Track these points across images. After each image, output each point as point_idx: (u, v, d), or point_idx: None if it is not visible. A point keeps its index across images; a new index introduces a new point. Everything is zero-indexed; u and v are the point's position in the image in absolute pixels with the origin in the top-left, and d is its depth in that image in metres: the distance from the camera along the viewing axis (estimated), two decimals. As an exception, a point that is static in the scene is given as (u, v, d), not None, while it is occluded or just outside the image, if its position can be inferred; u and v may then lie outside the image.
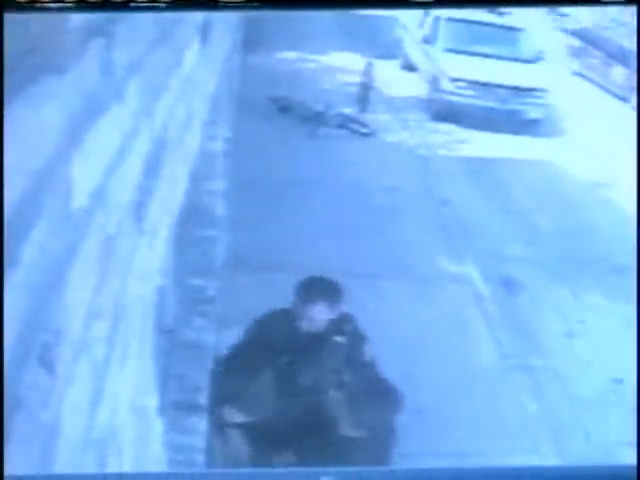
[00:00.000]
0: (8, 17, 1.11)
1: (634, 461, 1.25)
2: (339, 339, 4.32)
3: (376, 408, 4.38)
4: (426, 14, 15.52)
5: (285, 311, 4.40)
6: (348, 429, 4.21)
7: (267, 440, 4.17)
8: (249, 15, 11.08)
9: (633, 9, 1.10)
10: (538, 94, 13.96)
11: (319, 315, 4.24)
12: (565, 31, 18.34)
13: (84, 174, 1.56)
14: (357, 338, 4.45)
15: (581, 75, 16.64)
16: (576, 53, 17.30)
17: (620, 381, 6.54)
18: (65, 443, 1.51)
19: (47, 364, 1.36)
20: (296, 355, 4.25)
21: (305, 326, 4.26)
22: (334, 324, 4.30)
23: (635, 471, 1.22)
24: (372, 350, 4.51)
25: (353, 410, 4.22)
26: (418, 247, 8.77)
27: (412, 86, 15.33)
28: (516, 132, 13.56)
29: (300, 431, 4.14)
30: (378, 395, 4.39)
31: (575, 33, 17.91)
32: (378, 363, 4.54)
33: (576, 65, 17.08)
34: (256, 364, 4.23)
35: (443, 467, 2.25)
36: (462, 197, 10.44)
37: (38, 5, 1.10)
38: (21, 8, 1.11)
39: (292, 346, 4.26)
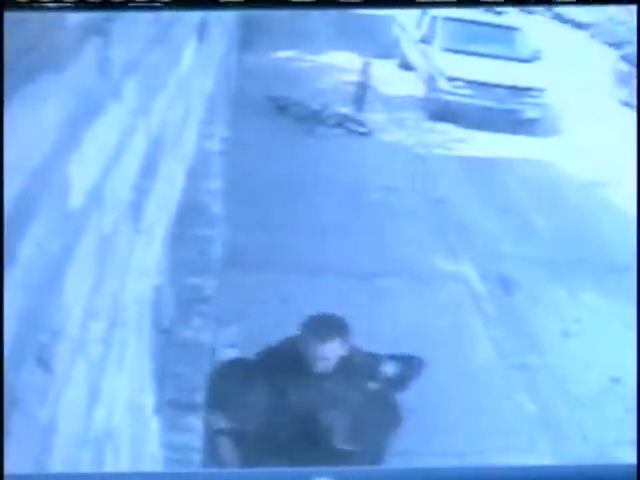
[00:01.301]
0: (7, 16, 1.11)
1: (633, 460, 1.25)
2: (348, 373, 4.39)
3: (377, 429, 4.44)
4: (423, 13, 15.52)
5: (294, 347, 4.39)
6: (345, 444, 4.25)
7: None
8: (246, 14, 11.08)
9: (633, 8, 1.10)
10: (535, 93, 13.98)
11: (332, 353, 4.28)
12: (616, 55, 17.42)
13: (81, 173, 1.56)
14: (369, 365, 4.51)
15: (628, 104, 15.23)
16: (624, 79, 15.98)
17: (617, 380, 6.55)
18: (62, 442, 1.51)
19: (44, 363, 1.36)
20: (307, 390, 4.28)
21: (320, 366, 4.28)
22: (345, 361, 4.34)
23: (635, 470, 1.22)
24: (387, 369, 4.59)
25: (353, 431, 4.27)
26: (415, 246, 8.78)
27: (409, 85, 15.34)
28: (513, 131, 13.57)
29: (298, 452, 4.16)
30: (383, 417, 4.46)
31: (624, 57, 16.73)
32: (391, 385, 4.63)
33: (624, 93, 15.75)
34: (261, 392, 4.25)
35: (440, 466, 2.24)
36: (459, 196, 10.45)
37: (37, 4, 1.10)
38: (21, 7, 1.10)
39: (304, 383, 4.29)
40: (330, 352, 4.25)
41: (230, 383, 4.37)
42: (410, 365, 4.72)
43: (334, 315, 4.43)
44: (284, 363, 4.32)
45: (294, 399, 4.23)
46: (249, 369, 4.44)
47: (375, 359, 4.59)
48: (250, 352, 5.22)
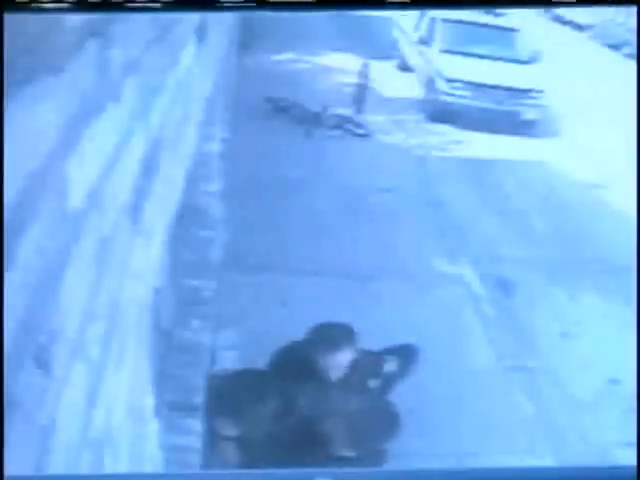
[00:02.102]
0: (6, 17, 1.11)
1: (633, 462, 1.25)
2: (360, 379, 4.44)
3: (378, 433, 4.49)
4: (422, 15, 15.53)
5: (305, 357, 4.43)
6: (347, 450, 4.28)
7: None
8: (246, 16, 11.09)
9: (633, 9, 1.10)
10: (534, 95, 13.98)
11: (345, 361, 4.35)
12: None
13: (80, 174, 1.55)
14: (372, 363, 4.56)
15: None
16: None
17: (616, 382, 6.54)
18: (61, 443, 1.51)
19: (43, 365, 1.36)
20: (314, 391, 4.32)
21: (334, 375, 4.34)
22: (353, 365, 4.39)
23: (635, 472, 1.22)
24: (387, 365, 4.64)
25: (352, 435, 4.30)
26: (414, 248, 8.78)
27: (408, 87, 15.35)
28: (512, 133, 13.57)
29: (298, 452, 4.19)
30: (384, 422, 4.52)
31: None
32: (392, 378, 4.67)
33: None
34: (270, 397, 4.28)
35: (439, 468, 2.24)
36: (458, 198, 10.45)
37: (36, 5, 1.10)
38: (20, 8, 1.10)
39: (317, 391, 4.32)
40: (343, 360, 4.32)
41: (240, 393, 4.40)
42: (407, 355, 4.79)
43: (341, 323, 4.47)
44: (296, 373, 4.35)
45: (306, 408, 4.26)
46: (260, 379, 4.46)
47: (376, 357, 4.64)
48: (251, 354, 5.23)
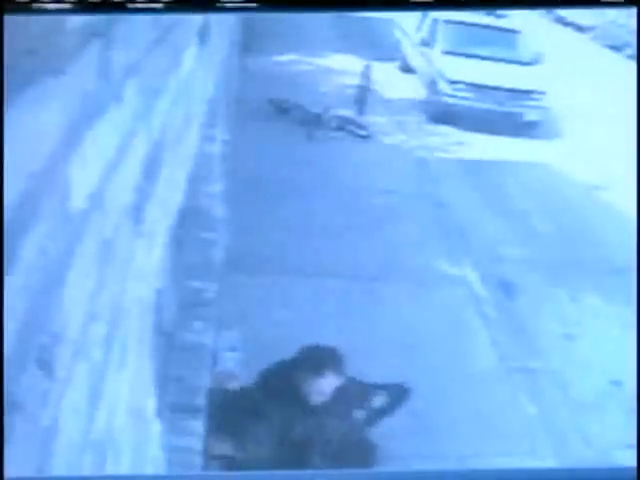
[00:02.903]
0: (7, 19, 1.11)
1: (634, 463, 1.25)
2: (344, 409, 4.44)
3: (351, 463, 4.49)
4: (424, 16, 15.53)
5: (291, 380, 4.43)
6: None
7: None
8: (247, 17, 11.09)
9: (633, 10, 1.10)
10: (536, 96, 13.98)
11: (328, 387, 4.35)
12: None
13: (82, 176, 1.55)
14: (360, 395, 4.57)
15: None
16: None
17: (618, 383, 6.54)
18: (63, 445, 1.51)
19: (45, 366, 1.36)
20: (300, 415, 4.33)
21: (316, 400, 4.35)
22: (339, 392, 4.40)
23: (635, 473, 1.22)
24: (375, 400, 4.66)
25: (328, 462, 4.30)
26: (416, 249, 8.78)
27: (410, 88, 15.36)
28: (514, 134, 13.58)
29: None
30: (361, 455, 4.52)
31: None
32: (377, 413, 4.69)
33: None
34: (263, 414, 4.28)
35: (440, 469, 2.24)
36: (460, 199, 10.45)
37: (37, 6, 1.10)
38: (21, 10, 1.10)
39: (300, 416, 4.33)
40: (326, 386, 4.33)
41: (226, 413, 4.41)
42: (397, 396, 4.79)
43: (328, 348, 4.48)
44: (280, 396, 4.36)
45: (287, 431, 4.27)
46: (245, 400, 4.47)
47: (364, 388, 4.66)
48: (252, 356, 5.22)
